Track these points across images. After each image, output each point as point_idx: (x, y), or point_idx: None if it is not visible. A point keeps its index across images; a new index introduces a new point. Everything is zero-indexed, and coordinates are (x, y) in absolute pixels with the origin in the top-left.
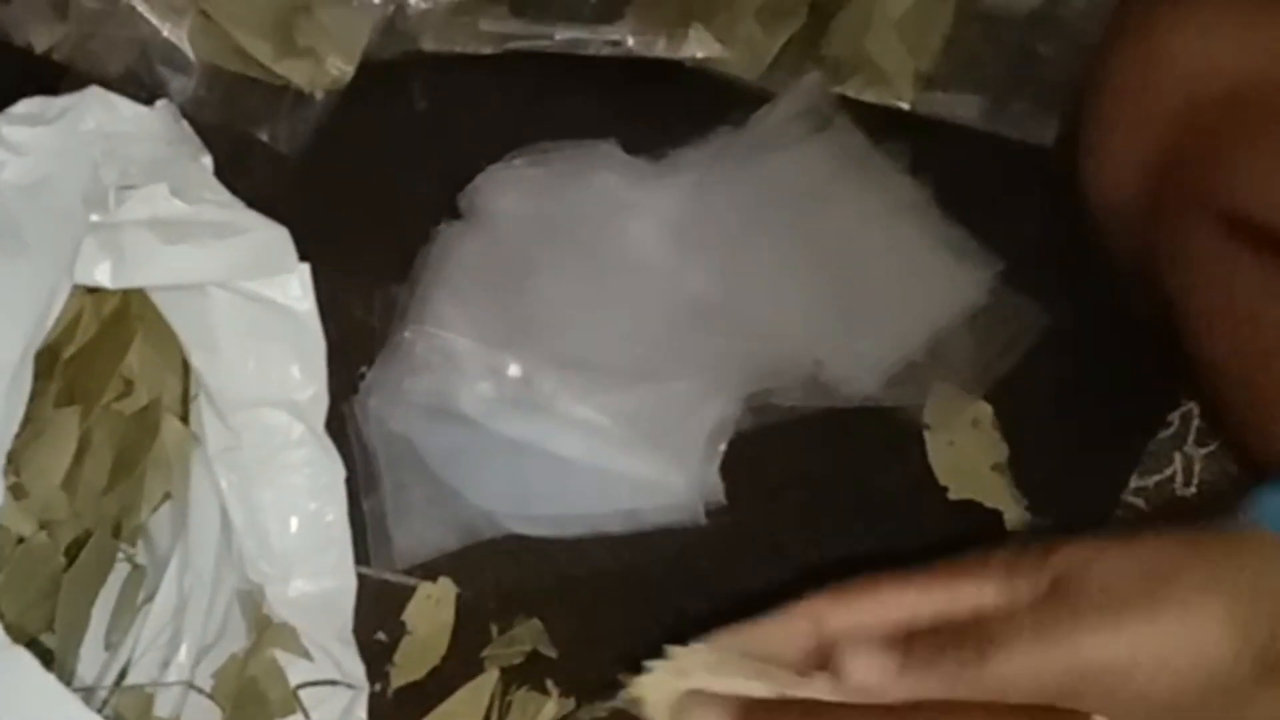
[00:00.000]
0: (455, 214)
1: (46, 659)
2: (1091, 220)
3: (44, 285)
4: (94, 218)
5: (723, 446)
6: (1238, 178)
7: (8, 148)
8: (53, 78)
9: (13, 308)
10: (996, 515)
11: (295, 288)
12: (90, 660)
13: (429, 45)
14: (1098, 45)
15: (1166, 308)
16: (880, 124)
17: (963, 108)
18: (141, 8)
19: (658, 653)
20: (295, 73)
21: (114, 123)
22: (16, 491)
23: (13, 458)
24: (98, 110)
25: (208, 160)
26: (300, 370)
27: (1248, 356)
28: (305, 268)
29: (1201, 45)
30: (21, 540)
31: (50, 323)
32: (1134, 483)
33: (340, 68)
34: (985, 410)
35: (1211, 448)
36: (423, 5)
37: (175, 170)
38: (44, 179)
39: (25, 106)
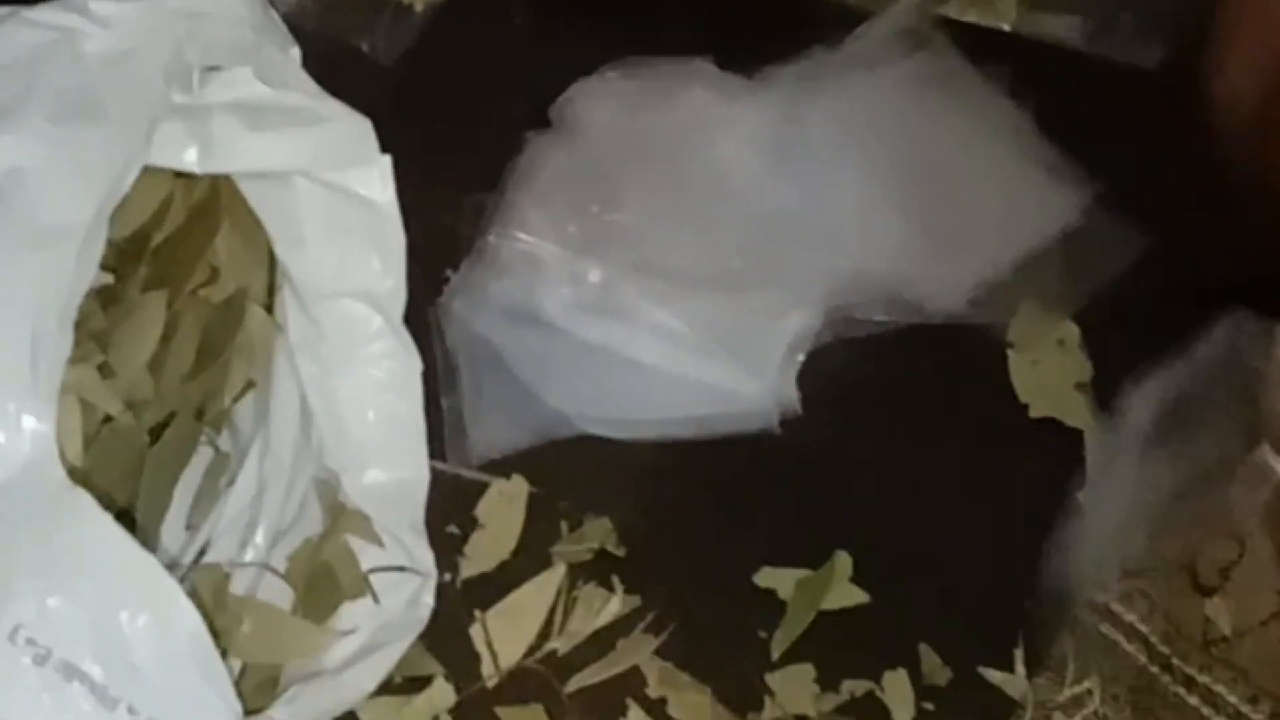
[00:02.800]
0: (546, 125)
1: (133, 528)
2: (1210, 128)
3: (120, 153)
4: (178, 97)
5: (801, 357)
6: None
7: (94, 20)
8: None
9: (89, 171)
10: (1076, 434)
11: (376, 180)
12: (172, 540)
13: None
14: None
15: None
16: (981, 45)
17: (1065, 29)
18: None
19: (726, 559)
20: None
21: (201, 4)
22: (104, 370)
23: (100, 338)
24: None
25: (296, 52)
26: (380, 262)
27: None
28: (386, 160)
29: None
30: (109, 419)
31: (126, 188)
32: None
33: None
34: (1073, 330)
35: None
36: None
37: (261, 56)
38: (127, 52)
39: None
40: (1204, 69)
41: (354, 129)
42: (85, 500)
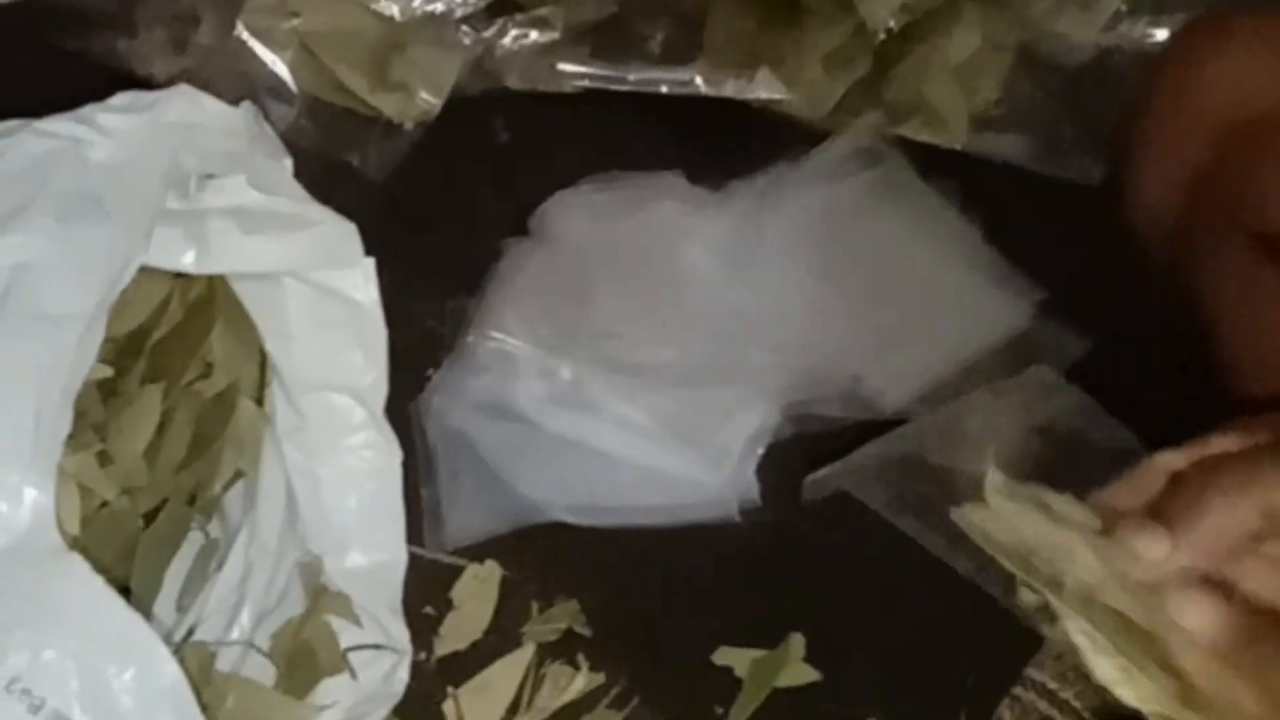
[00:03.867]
0: (525, 234)
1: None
2: (1131, 238)
3: (120, 251)
4: (174, 202)
5: (760, 450)
6: (1264, 195)
7: (99, 131)
8: None
9: (92, 265)
10: None
11: (360, 280)
12: (163, 619)
13: (513, 83)
14: (1143, 79)
15: (1196, 315)
16: (934, 162)
17: (1013, 148)
18: (251, 43)
19: (686, 639)
20: (387, 105)
21: (198, 116)
22: (103, 458)
23: (100, 428)
24: (184, 105)
25: (288, 162)
26: (363, 357)
27: (1267, 358)
28: (370, 262)
29: (1236, 73)
30: (105, 504)
31: (125, 283)
32: None
33: (429, 101)
34: None
35: None
36: (509, 47)
37: (254, 165)
38: (128, 159)
39: (120, 99)
40: (1123, 186)
41: (340, 233)
42: (78, 564)
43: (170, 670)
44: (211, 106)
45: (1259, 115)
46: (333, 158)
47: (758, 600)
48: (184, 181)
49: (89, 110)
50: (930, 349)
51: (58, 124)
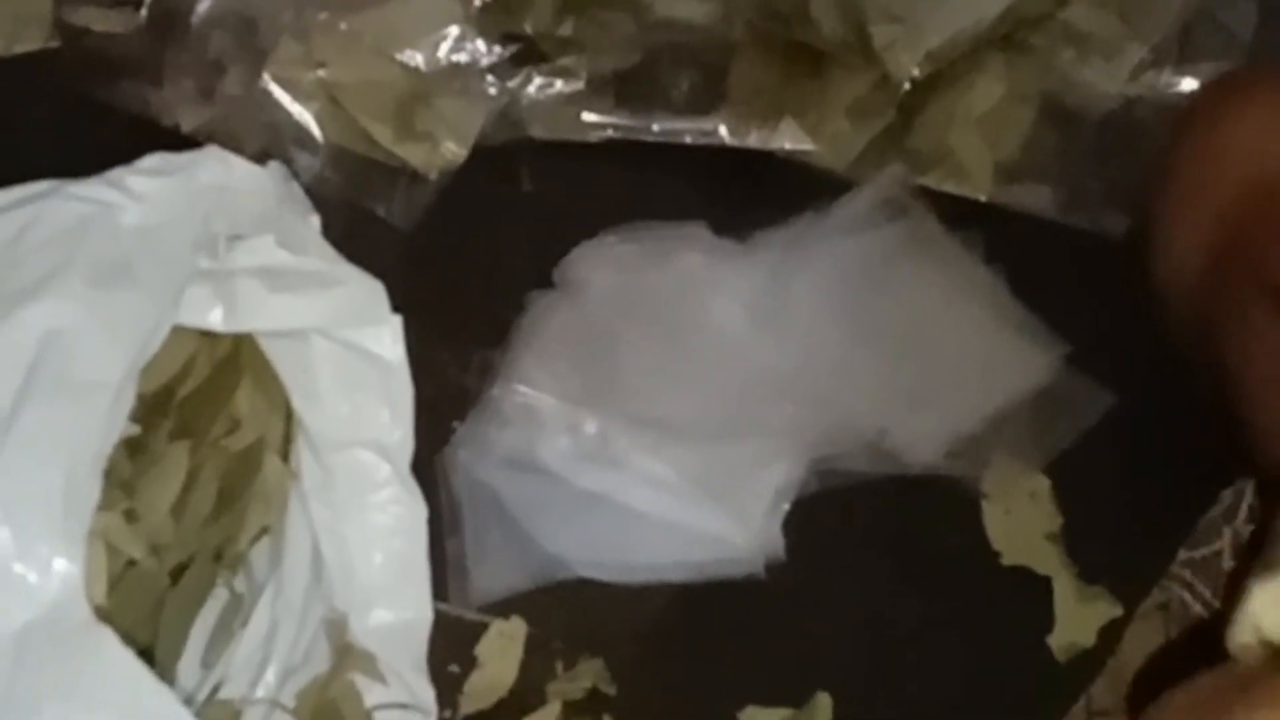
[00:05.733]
0: (550, 285)
1: (152, 666)
2: (1157, 296)
3: (150, 316)
4: (204, 263)
5: (786, 506)
6: None
7: (130, 196)
8: None
9: (121, 333)
10: (1045, 580)
11: (387, 338)
12: (188, 677)
13: (537, 133)
14: (1168, 136)
15: (1223, 377)
16: (958, 213)
17: (1037, 200)
18: (277, 94)
19: (712, 698)
20: (413, 155)
21: (228, 178)
22: (129, 516)
23: (127, 485)
24: (214, 166)
25: (315, 220)
26: (390, 415)
27: None
28: (397, 319)
29: (1261, 136)
30: (133, 562)
31: (155, 348)
32: (1182, 554)
33: (454, 151)
34: (1043, 483)
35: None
36: (533, 96)
37: (282, 224)
38: (159, 224)
39: (150, 161)
40: (1149, 242)
41: (367, 291)
42: (107, 636)
43: None
44: (240, 168)
45: None
46: (358, 207)
47: (784, 658)
48: (213, 244)
49: (119, 173)
50: (956, 403)
51: (89, 188)
